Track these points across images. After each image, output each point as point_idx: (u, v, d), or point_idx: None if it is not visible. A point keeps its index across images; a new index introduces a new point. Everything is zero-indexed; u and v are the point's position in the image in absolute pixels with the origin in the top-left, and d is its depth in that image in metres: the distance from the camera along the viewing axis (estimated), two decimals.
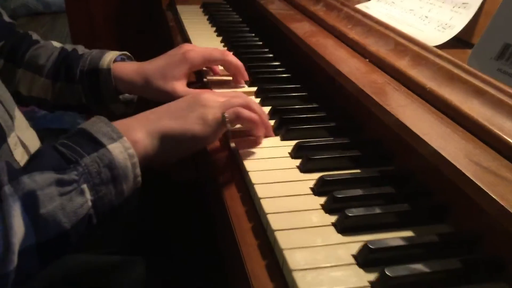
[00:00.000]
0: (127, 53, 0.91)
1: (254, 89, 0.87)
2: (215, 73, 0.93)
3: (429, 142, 0.52)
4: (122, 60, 0.89)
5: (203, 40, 1.12)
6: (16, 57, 0.88)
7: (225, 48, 1.08)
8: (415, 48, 0.70)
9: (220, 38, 1.14)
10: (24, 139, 0.74)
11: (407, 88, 0.65)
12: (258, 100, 0.83)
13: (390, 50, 0.74)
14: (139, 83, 0.83)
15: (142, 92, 0.86)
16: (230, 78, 0.90)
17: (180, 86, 0.83)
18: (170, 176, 1.00)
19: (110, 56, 0.86)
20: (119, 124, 0.59)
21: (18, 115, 0.75)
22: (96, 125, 0.57)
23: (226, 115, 0.63)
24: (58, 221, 0.51)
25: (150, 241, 0.87)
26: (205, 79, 0.91)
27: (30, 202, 0.50)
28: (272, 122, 0.74)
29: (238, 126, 0.69)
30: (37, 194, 0.50)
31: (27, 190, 0.50)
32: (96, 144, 0.55)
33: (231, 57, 0.87)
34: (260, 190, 0.57)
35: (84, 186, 0.53)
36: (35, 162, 0.53)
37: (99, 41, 1.88)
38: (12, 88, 0.88)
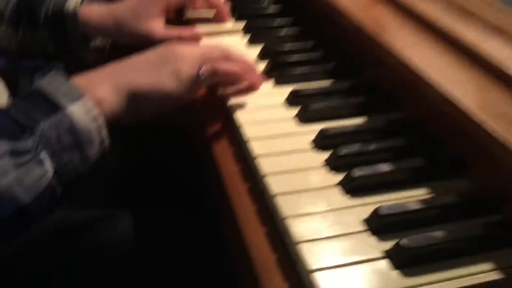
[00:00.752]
0: None
1: (239, 26, 0.79)
2: (196, 8, 0.83)
3: (443, 88, 0.46)
4: (90, 2, 0.80)
5: None
6: None
7: None
8: None
9: None
10: None
11: (415, 24, 0.58)
12: (245, 39, 0.76)
13: None
14: (110, 27, 0.74)
15: (114, 37, 0.77)
16: (212, 13, 0.81)
17: (157, 26, 0.74)
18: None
19: None
20: (81, 80, 0.52)
21: None
22: (53, 84, 0.50)
23: (201, 72, 0.56)
24: (15, 195, 0.45)
25: (135, 193, 0.82)
26: (184, 17, 0.82)
27: None
28: (263, 65, 0.67)
29: None
30: None
31: None
32: (54, 106, 0.48)
33: None
34: (255, 147, 0.51)
35: (43, 155, 0.46)
36: None
37: None
38: None
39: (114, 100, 0.53)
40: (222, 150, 0.56)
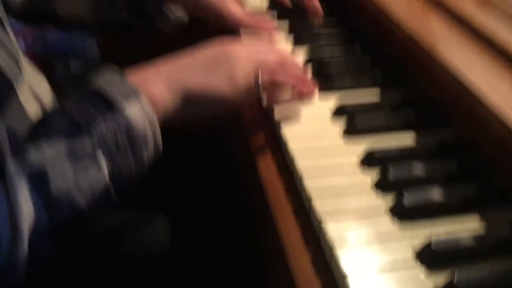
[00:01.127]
0: None
1: (284, 24, 0.77)
2: None
3: (501, 112, 0.44)
4: None
5: None
6: None
7: None
8: None
9: None
10: (37, 89, 0.66)
11: (475, 38, 0.55)
12: (290, 38, 0.74)
13: None
14: None
15: (192, 5, 0.76)
16: None
17: (234, 5, 0.74)
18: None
19: None
20: (136, 76, 0.50)
21: (26, 65, 0.67)
22: (110, 82, 0.48)
23: (259, 81, 0.54)
24: (73, 200, 0.44)
25: (171, 195, 0.82)
26: None
27: (39, 180, 0.43)
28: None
29: None
30: (46, 170, 0.43)
31: (35, 166, 0.43)
32: (111, 107, 0.46)
33: None
34: (301, 165, 0.50)
35: (100, 158, 0.45)
36: (42, 129, 0.45)
37: None
38: (49, 9, 0.80)
39: (169, 99, 0.52)
40: (266, 163, 0.55)
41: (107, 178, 0.46)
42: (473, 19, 0.56)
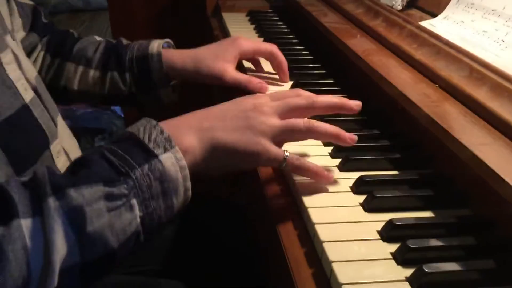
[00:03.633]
0: (170, 40, 0.92)
1: None
2: (259, 70, 0.93)
3: None
4: (168, 47, 0.91)
5: None
6: (63, 51, 0.89)
7: None
8: (494, 76, 0.63)
9: None
10: (67, 147, 0.71)
11: (487, 123, 0.58)
12: None
13: (464, 76, 0.67)
14: (190, 66, 0.85)
15: (192, 76, 0.86)
16: (274, 76, 0.91)
17: (230, 68, 0.84)
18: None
19: (157, 42, 0.88)
20: (169, 126, 0.54)
21: (61, 124, 0.72)
22: (147, 131, 0.52)
23: (284, 163, 0.58)
24: (105, 239, 0.46)
25: (189, 263, 0.82)
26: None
27: (76, 219, 0.45)
28: (329, 149, 0.69)
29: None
30: (84, 210, 0.45)
31: (73, 205, 0.45)
32: (147, 154, 0.50)
33: (278, 51, 0.88)
34: (321, 234, 0.52)
35: (134, 201, 0.48)
36: (83, 171, 0.48)
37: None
38: (60, 85, 0.88)
39: (198, 151, 0.55)
40: (287, 231, 0.56)
41: (138, 221, 0.49)
42: (485, 105, 0.59)
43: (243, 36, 1.15)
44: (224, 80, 0.84)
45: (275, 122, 0.58)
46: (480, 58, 0.68)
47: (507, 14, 0.76)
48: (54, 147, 0.65)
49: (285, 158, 0.57)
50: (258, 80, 0.84)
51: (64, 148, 0.69)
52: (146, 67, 0.86)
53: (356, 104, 0.63)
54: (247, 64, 0.96)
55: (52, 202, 0.45)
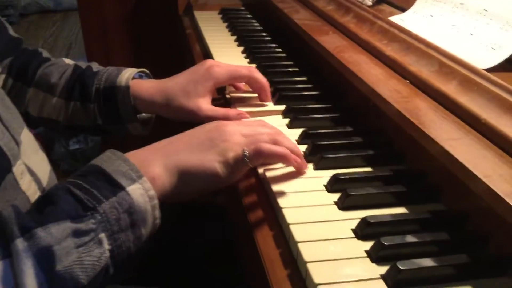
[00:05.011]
0: (146, 70, 0.86)
1: (280, 108, 0.81)
2: (238, 89, 0.86)
3: (494, 188, 0.46)
4: (140, 77, 0.84)
5: (223, 50, 1.07)
6: (26, 75, 0.82)
7: (247, 60, 1.02)
8: (463, 70, 0.64)
9: (241, 49, 1.08)
10: (32, 165, 0.67)
11: (457, 117, 0.59)
12: (286, 120, 0.78)
13: (434, 71, 0.67)
14: (159, 101, 0.77)
15: (162, 111, 0.79)
16: (254, 95, 0.84)
17: (204, 103, 0.76)
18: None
19: (128, 73, 0.80)
20: (135, 157, 0.54)
21: (26, 139, 0.68)
22: (113, 163, 0.52)
23: (246, 153, 0.58)
24: (75, 277, 0.45)
25: (166, 269, 0.82)
26: (227, 96, 0.85)
27: (45, 259, 0.44)
28: (303, 147, 0.68)
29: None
30: (53, 249, 0.45)
31: (42, 245, 0.44)
32: (115, 187, 0.50)
33: (257, 74, 0.80)
34: (296, 234, 0.52)
35: (102, 236, 0.48)
36: (49, 209, 0.47)
37: (112, 41, 1.83)
38: (22, 109, 0.82)
39: (165, 178, 0.55)
40: (262, 232, 0.56)
41: (107, 255, 0.48)
42: (456, 100, 0.60)
43: (216, 35, 1.16)
44: (199, 118, 0.76)
45: (239, 137, 0.59)
46: (449, 52, 0.68)
47: (475, 8, 0.77)
48: (17, 169, 0.61)
49: (245, 154, 0.58)
50: (236, 111, 0.78)
51: (29, 166, 0.65)
52: (113, 100, 0.79)
53: (304, 168, 0.63)
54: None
55: (20, 244, 0.44)
